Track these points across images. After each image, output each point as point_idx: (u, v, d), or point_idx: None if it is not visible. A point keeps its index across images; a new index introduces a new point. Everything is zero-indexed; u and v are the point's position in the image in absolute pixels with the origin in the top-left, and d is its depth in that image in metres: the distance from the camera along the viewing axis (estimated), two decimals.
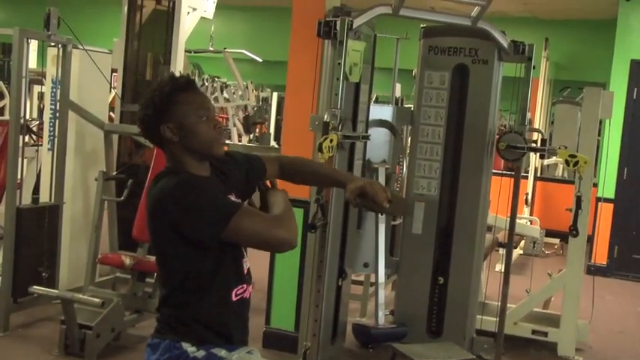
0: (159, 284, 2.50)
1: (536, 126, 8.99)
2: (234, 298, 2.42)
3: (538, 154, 5.75)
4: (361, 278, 5.80)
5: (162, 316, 2.43)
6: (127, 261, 4.82)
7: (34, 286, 4.50)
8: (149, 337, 2.43)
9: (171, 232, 2.31)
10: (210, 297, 2.37)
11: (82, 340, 4.34)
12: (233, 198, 2.45)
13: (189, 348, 2.35)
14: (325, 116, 4.30)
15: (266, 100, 13.62)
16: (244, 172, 2.59)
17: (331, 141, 4.17)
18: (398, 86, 6.93)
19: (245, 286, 2.46)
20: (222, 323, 2.40)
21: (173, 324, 2.39)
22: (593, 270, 6.96)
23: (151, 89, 2.41)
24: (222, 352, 2.36)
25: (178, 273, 2.38)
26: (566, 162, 4.73)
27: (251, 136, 11.71)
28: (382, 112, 5.08)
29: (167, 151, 2.41)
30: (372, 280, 5.32)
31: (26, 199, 5.41)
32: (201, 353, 2.34)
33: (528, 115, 5.05)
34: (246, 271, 2.48)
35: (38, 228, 5.04)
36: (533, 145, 4.90)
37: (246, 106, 11.36)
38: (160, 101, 2.34)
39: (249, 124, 11.19)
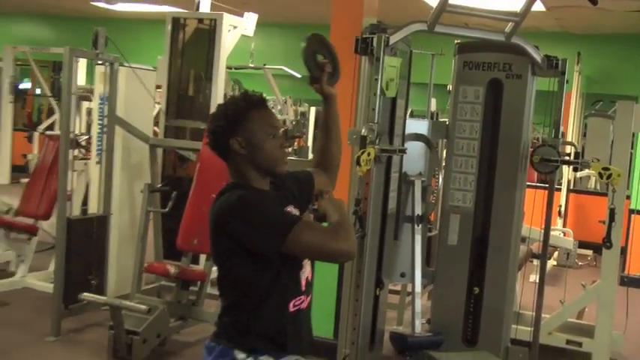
0: (219, 294, 2.53)
1: (568, 139, 8.92)
2: (291, 309, 2.44)
3: (571, 166, 5.72)
4: (398, 288, 5.79)
5: (220, 323, 2.47)
6: (172, 270, 4.87)
7: (84, 293, 4.57)
8: (207, 340, 2.47)
9: (232, 245, 2.34)
10: (267, 308, 2.39)
11: (129, 345, 4.40)
12: (291, 210, 2.48)
13: (239, 355, 2.39)
14: (363, 130, 4.31)
15: (304, 115, 13.65)
16: (297, 184, 2.62)
17: (369, 154, 4.18)
18: (433, 101, 6.94)
19: (303, 297, 2.48)
20: (278, 333, 2.43)
21: (229, 331, 2.43)
22: (626, 281, 6.84)
23: (224, 103, 2.48)
24: None
25: (238, 285, 2.41)
26: (600, 175, 4.67)
27: (290, 149, 11.77)
28: (418, 126, 5.07)
29: (232, 164, 2.45)
30: (409, 289, 5.31)
31: (76, 211, 5.51)
32: None
33: (561, 128, 5.01)
34: (304, 283, 2.49)
35: (87, 238, 5.12)
36: (567, 158, 4.86)
37: (284, 121, 11.44)
38: (233, 115, 2.39)
39: (287, 138, 11.25)
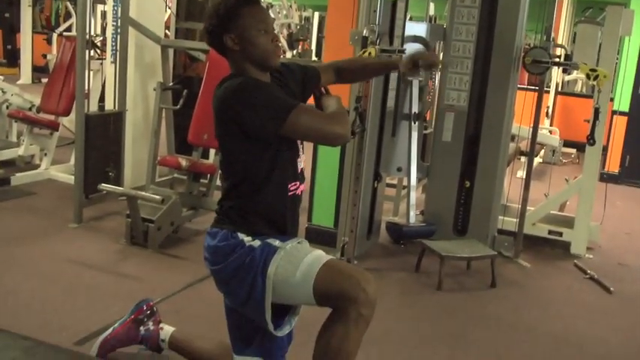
0: (222, 179, 2.51)
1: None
2: (289, 193, 2.41)
3: (561, 68, 5.60)
4: (395, 181, 5.79)
5: (221, 208, 2.45)
6: (184, 163, 4.84)
7: (103, 184, 4.55)
8: (209, 227, 2.45)
9: (234, 128, 2.30)
10: (267, 191, 2.37)
11: (145, 232, 4.42)
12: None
13: (245, 237, 2.37)
14: (364, 31, 4.21)
15: (308, 20, 13.38)
16: (300, 80, 2.56)
17: (369, 54, 4.09)
18: (432, 5, 6.73)
19: (298, 183, 2.46)
20: (277, 216, 2.41)
21: (231, 216, 2.41)
22: (605, 177, 6.84)
23: (216, 2, 2.38)
24: (277, 242, 2.36)
25: (240, 168, 2.38)
26: (587, 76, 4.59)
27: (294, 52, 11.56)
28: (417, 28, 4.94)
29: (230, 60, 2.41)
30: (405, 183, 5.31)
31: (93, 107, 5.43)
32: (257, 243, 2.35)
33: (552, 34, 4.88)
34: (300, 170, 2.47)
35: (104, 133, 5.07)
36: (557, 59, 4.76)
37: (289, 25, 11.19)
38: (225, 13, 2.33)
39: (292, 41, 11.04)
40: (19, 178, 5.73)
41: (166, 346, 2.88)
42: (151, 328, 2.90)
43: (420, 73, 2.84)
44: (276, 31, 2.46)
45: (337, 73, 2.74)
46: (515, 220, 4.91)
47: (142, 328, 2.89)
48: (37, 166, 6.13)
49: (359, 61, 2.88)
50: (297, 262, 2.31)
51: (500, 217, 4.99)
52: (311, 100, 2.59)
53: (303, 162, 2.51)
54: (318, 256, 2.36)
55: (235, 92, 2.28)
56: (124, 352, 2.91)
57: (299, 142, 2.45)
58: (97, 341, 2.89)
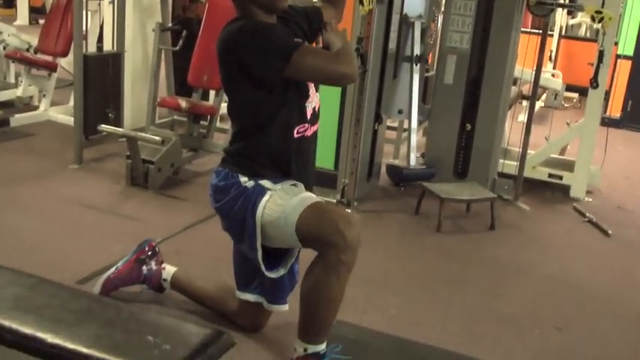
0: (231, 121, 2.49)
1: None
2: (295, 135, 2.40)
3: (565, 11, 5.52)
4: (395, 124, 5.76)
5: (229, 149, 2.46)
6: (184, 104, 4.80)
7: (103, 125, 4.52)
8: (216, 166, 2.47)
9: (238, 70, 2.28)
10: (273, 133, 2.36)
11: (145, 174, 4.41)
12: (298, 40, 2.39)
13: (242, 178, 2.39)
14: None
15: None
16: (306, 20, 2.53)
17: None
18: None
19: (307, 125, 2.43)
20: (282, 158, 2.41)
21: (236, 157, 2.42)
22: (607, 122, 6.78)
23: None
24: (268, 184, 2.37)
25: (246, 110, 2.37)
26: (592, 18, 4.52)
27: None
28: None
29: (236, 1, 2.36)
30: (406, 125, 5.28)
31: (91, 48, 5.36)
32: (251, 183, 2.38)
33: None
34: (310, 112, 2.44)
35: (103, 74, 5.02)
36: (562, 1, 4.68)
37: None
38: None
39: None
40: (18, 120, 5.70)
41: (168, 285, 2.91)
42: (154, 267, 2.92)
43: None
44: None
45: (333, 2, 2.69)
46: (515, 163, 4.90)
47: (144, 267, 2.92)
48: (35, 108, 6.09)
49: None
50: (285, 203, 2.33)
51: (501, 161, 4.98)
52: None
53: (317, 102, 2.47)
54: (305, 197, 2.36)
55: (238, 34, 2.24)
56: (126, 291, 2.94)
57: (309, 83, 2.42)
58: (100, 280, 2.92)
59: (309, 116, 2.44)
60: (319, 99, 2.50)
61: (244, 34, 2.24)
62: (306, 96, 2.42)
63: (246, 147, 2.40)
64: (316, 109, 2.48)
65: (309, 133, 2.45)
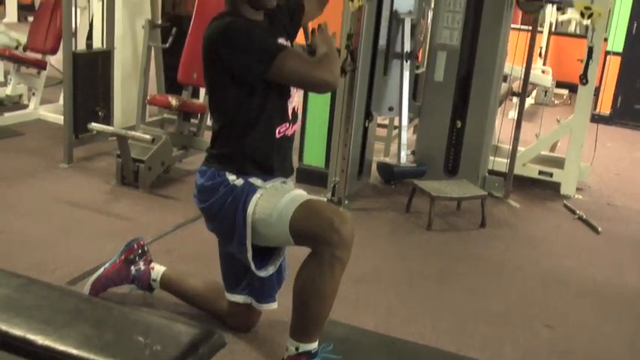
0: (212, 120, 2.49)
1: None
2: (277, 135, 2.40)
3: (554, 8, 5.53)
4: (386, 121, 5.77)
5: (211, 148, 2.45)
6: (174, 102, 4.79)
7: (93, 124, 4.51)
8: (200, 166, 2.46)
9: (221, 69, 2.28)
10: (255, 132, 2.36)
11: (135, 172, 4.40)
12: (282, 41, 2.39)
13: (230, 177, 2.38)
14: None
15: None
16: (289, 16, 2.52)
17: None
18: None
19: (288, 124, 2.44)
20: (264, 157, 2.41)
21: (220, 156, 2.41)
22: (597, 118, 6.82)
23: None
24: (258, 182, 2.38)
25: (228, 110, 2.37)
26: (582, 14, 4.54)
27: None
28: None
29: None
30: (396, 123, 5.29)
31: (81, 46, 5.34)
32: (240, 182, 2.37)
33: None
34: (291, 111, 2.45)
35: (93, 72, 5.00)
36: None
37: None
38: None
39: None
40: (7, 118, 5.68)
41: (158, 285, 2.90)
42: (142, 267, 2.91)
43: None
44: None
45: None
46: (505, 160, 4.92)
47: (133, 267, 2.91)
48: (25, 106, 6.07)
49: None
50: (276, 201, 2.33)
51: (491, 158, 4.99)
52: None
53: (296, 102, 2.48)
54: (297, 195, 2.37)
55: (223, 33, 2.24)
56: (115, 291, 2.93)
57: None
58: (89, 281, 2.91)
59: (290, 116, 2.44)
60: (298, 99, 2.50)
61: (229, 34, 2.24)
62: (288, 95, 2.43)
63: (229, 146, 2.40)
64: (296, 108, 2.49)
65: (289, 132, 2.46)
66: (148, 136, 4.26)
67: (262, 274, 2.47)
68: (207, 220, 2.51)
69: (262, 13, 2.38)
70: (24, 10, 11.77)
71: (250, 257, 2.39)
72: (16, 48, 6.29)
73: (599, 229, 4.46)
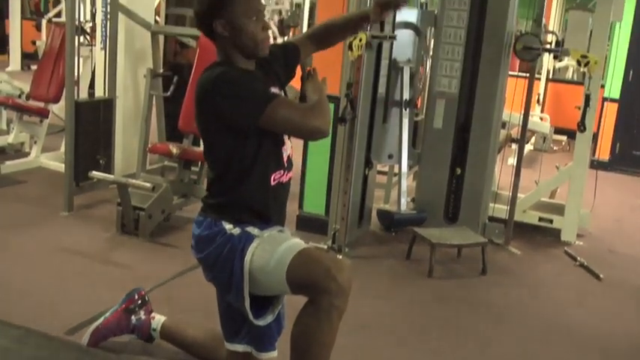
0: (207, 169, 2.49)
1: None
2: (272, 183, 2.41)
3: (551, 55, 5.60)
4: (386, 168, 5.78)
5: (207, 198, 2.45)
6: (174, 150, 4.81)
7: (93, 172, 4.53)
8: (196, 216, 2.46)
9: (214, 119, 2.29)
10: (250, 181, 2.36)
11: (136, 220, 4.40)
12: (274, 90, 2.41)
13: (227, 226, 2.38)
14: None
15: (299, 6, 13.30)
16: (283, 61, 2.54)
17: (360, 40, 4.08)
18: None
19: (282, 171, 2.44)
20: (260, 205, 2.41)
21: (216, 205, 2.41)
22: (596, 164, 6.85)
23: None
24: (255, 231, 2.37)
25: (222, 158, 2.37)
26: (578, 62, 4.58)
27: (285, 38, 11.50)
28: (408, 14, 4.91)
29: (218, 46, 2.38)
30: (396, 170, 5.31)
31: (83, 94, 5.39)
32: (237, 230, 2.37)
33: (543, 20, 4.87)
34: (286, 159, 2.45)
35: (94, 120, 5.04)
36: (548, 46, 4.76)
37: (280, 11, 11.12)
38: None
39: (283, 28, 10.98)
40: (8, 167, 5.69)
41: (158, 335, 2.88)
42: (143, 317, 2.89)
43: (389, 14, 2.77)
44: (267, 18, 2.43)
45: (314, 41, 2.69)
46: (505, 207, 4.92)
47: (133, 317, 2.89)
48: (27, 154, 6.09)
49: (330, 23, 2.78)
50: (273, 250, 2.32)
51: (491, 205, 5.00)
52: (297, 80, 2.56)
53: (290, 149, 2.49)
54: (294, 244, 2.36)
55: (214, 82, 2.26)
56: (115, 341, 2.91)
57: None
58: (89, 330, 2.89)
59: (285, 163, 2.45)
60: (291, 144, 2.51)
61: (221, 83, 2.25)
62: (282, 143, 2.43)
63: (225, 195, 2.40)
64: (290, 155, 2.49)
65: (284, 179, 2.46)
66: (148, 184, 4.27)
67: (260, 323, 2.45)
68: (205, 270, 2.50)
69: (254, 61, 2.41)
70: (27, 58, 11.91)
71: (248, 306, 2.38)
72: (19, 96, 6.34)
73: (601, 276, 4.44)
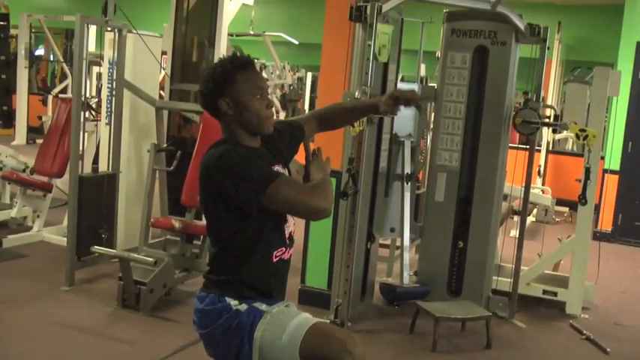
0: (209, 244, 2.49)
1: (549, 104, 8.84)
2: (274, 260, 2.40)
3: (551, 128, 5.67)
4: (388, 242, 5.77)
5: (209, 273, 2.44)
6: (177, 224, 4.83)
7: (95, 246, 4.53)
8: (197, 291, 2.44)
9: (216, 196, 2.30)
10: (252, 258, 2.36)
11: (137, 295, 4.38)
12: (278, 168, 2.43)
13: (232, 302, 2.36)
14: (356, 93, 4.26)
15: (301, 80, 13.55)
16: (287, 138, 2.57)
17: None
18: (423, 66, 6.84)
19: (284, 248, 2.44)
20: (262, 282, 2.40)
21: (218, 281, 2.40)
22: (598, 236, 6.84)
23: (212, 65, 2.39)
24: (263, 307, 2.35)
25: (225, 235, 2.37)
26: (577, 136, 4.64)
27: (287, 111, 11.68)
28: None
29: (223, 123, 2.40)
30: (398, 243, 5.30)
31: (87, 169, 5.45)
32: (244, 307, 2.34)
33: (542, 93, 4.96)
34: (288, 235, 2.45)
35: (98, 194, 5.07)
36: (547, 120, 4.82)
37: (283, 85, 11.33)
38: (220, 77, 2.33)
39: (286, 102, 11.17)
40: (11, 241, 5.69)
41: None
42: None
43: (399, 109, 2.79)
44: (269, 91, 2.47)
45: (319, 122, 2.73)
46: (509, 280, 4.89)
47: None
48: (29, 228, 6.10)
49: (338, 106, 2.83)
50: (284, 325, 2.30)
51: (495, 277, 4.97)
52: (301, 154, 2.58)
53: (293, 226, 2.50)
54: (305, 319, 2.35)
55: (217, 161, 2.28)
56: None
57: None
58: None
59: (287, 240, 2.46)
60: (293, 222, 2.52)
61: (224, 162, 2.27)
62: (285, 220, 2.44)
63: (227, 272, 2.38)
64: (292, 232, 2.50)
65: (286, 256, 2.46)
66: (150, 259, 4.27)
67: None
68: (208, 347, 2.46)
69: (259, 138, 2.44)
70: (32, 132, 12.06)
71: None
72: (24, 170, 6.40)
73: (608, 350, 4.38)
